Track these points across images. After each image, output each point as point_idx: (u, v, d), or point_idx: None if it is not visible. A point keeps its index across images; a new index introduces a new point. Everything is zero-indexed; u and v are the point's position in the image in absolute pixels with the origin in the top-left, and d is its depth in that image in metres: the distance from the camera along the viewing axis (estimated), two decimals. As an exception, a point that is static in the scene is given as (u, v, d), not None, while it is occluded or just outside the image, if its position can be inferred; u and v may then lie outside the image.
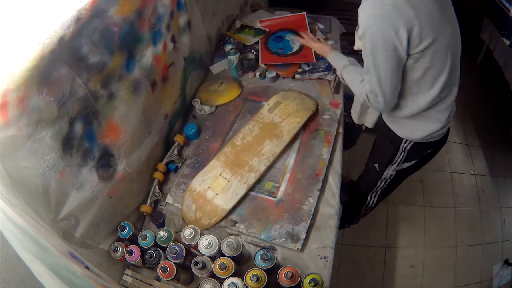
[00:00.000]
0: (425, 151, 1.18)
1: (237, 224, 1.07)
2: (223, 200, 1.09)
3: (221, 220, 1.07)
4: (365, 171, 1.45)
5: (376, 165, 1.29)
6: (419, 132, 1.09)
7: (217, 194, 1.10)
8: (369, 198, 1.47)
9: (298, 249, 1.00)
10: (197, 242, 0.92)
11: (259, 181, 1.15)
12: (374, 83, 0.95)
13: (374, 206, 1.52)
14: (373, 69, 0.93)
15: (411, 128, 1.11)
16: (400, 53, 0.89)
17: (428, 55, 0.91)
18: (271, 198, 1.11)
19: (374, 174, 1.32)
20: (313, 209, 1.07)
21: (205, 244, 0.90)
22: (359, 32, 0.93)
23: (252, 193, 1.13)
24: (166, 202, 1.15)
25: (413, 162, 1.21)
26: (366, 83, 1.00)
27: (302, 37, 1.46)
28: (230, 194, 1.10)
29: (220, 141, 1.29)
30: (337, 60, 1.21)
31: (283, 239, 1.02)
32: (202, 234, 0.95)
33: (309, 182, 1.13)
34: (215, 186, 1.12)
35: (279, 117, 1.28)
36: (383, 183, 1.34)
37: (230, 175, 1.14)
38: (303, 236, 1.02)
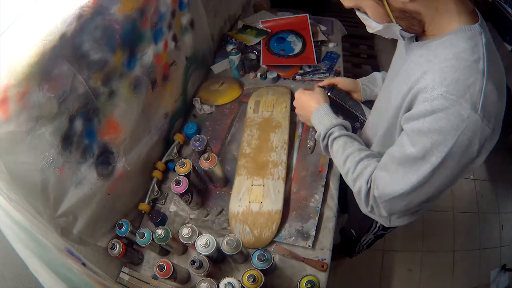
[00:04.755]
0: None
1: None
2: (270, 203, 1.06)
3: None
4: (343, 234, 1.34)
5: (353, 231, 1.18)
6: (399, 221, 0.89)
7: (261, 202, 1.07)
8: (356, 248, 1.35)
9: (309, 246, 1.00)
10: (194, 241, 0.92)
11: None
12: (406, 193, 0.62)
13: (363, 250, 1.39)
14: (432, 182, 0.59)
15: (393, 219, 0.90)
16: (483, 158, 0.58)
17: None
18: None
19: (352, 238, 1.20)
20: (320, 206, 1.07)
21: (203, 243, 0.90)
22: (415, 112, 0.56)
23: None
24: (170, 211, 1.13)
25: (390, 230, 1.06)
26: (378, 183, 0.67)
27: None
28: (273, 194, 1.08)
29: (219, 145, 1.28)
30: (324, 121, 0.85)
31: (293, 238, 1.02)
32: (200, 233, 0.95)
33: (313, 179, 1.14)
34: (254, 197, 1.09)
35: (266, 111, 1.31)
36: (362, 247, 1.26)
37: (261, 179, 1.12)
38: (313, 233, 1.02)
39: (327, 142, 0.83)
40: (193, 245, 0.92)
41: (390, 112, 0.66)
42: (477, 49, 0.52)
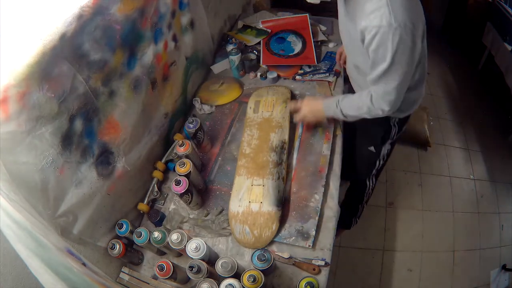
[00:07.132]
0: (409, 114, 1.22)
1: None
2: (270, 203, 1.07)
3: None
4: (359, 159, 1.44)
5: (371, 148, 1.31)
6: (408, 106, 1.14)
7: (261, 202, 1.07)
8: (368, 183, 1.49)
9: (309, 246, 1.00)
10: (184, 246, 0.92)
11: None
12: (390, 88, 0.94)
13: (373, 188, 1.55)
14: (394, 72, 0.90)
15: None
16: (419, 45, 0.89)
17: None
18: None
19: (371, 157, 1.34)
20: (319, 206, 1.07)
21: (193, 247, 0.89)
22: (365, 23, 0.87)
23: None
24: (169, 209, 1.13)
25: (404, 129, 1.27)
26: (373, 91, 0.98)
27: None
28: (273, 194, 1.08)
29: (219, 145, 1.28)
30: (331, 102, 1.14)
31: (293, 238, 1.02)
32: (189, 238, 0.94)
33: (313, 179, 1.14)
34: (254, 197, 1.08)
35: (266, 111, 1.31)
36: (381, 161, 1.37)
37: (261, 179, 1.12)
38: (313, 233, 1.02)
39: (340, 108, 1.10)
40: (184, 250, 0.92)
41: (355, 40, 0.96)
42: None
